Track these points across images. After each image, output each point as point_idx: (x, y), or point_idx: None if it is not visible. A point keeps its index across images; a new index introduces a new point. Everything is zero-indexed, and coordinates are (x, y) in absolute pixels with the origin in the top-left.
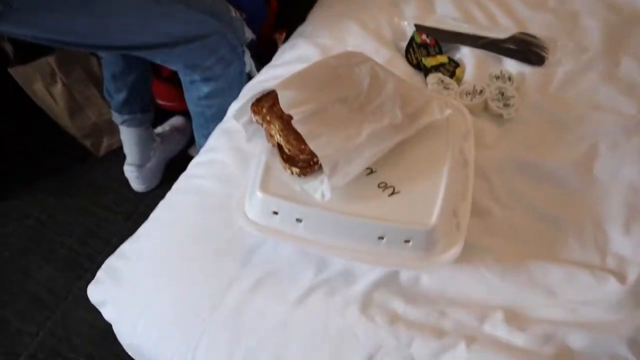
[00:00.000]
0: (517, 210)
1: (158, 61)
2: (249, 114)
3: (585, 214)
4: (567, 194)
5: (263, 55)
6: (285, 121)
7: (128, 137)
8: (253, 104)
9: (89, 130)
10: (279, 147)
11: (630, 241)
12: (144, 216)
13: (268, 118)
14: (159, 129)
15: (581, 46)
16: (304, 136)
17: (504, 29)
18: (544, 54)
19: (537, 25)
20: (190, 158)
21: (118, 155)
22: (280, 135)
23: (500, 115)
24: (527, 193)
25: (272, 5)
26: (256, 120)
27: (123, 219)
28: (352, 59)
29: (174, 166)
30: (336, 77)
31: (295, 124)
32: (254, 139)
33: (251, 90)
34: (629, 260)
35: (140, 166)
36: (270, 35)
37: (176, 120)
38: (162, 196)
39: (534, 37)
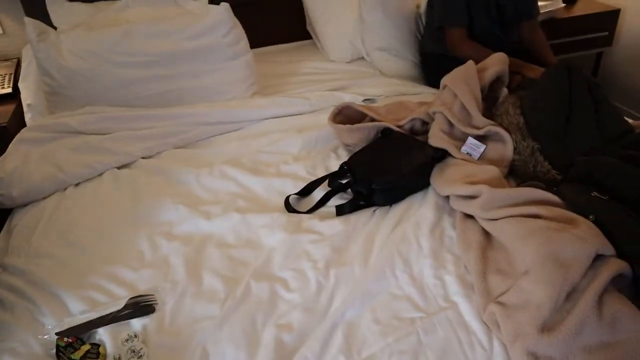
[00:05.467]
0: None
1: None
2: None
3: None
4: None
5: None
6: None
7: None
8: None
9: None
10: None
11: None
12: None
13: None
14: None
15: (173, 280)
16: None
17: (118, 299)
18: (152, 302)
19: (142, 283)
20: None
21: None
22: None
23: None
24: None
25: None
26: None
27: None
28: None
29: None
30: None
31: None
32: None
33: None
34: None
35: None
36: None
37: None
38: None
39: (141, 295)
